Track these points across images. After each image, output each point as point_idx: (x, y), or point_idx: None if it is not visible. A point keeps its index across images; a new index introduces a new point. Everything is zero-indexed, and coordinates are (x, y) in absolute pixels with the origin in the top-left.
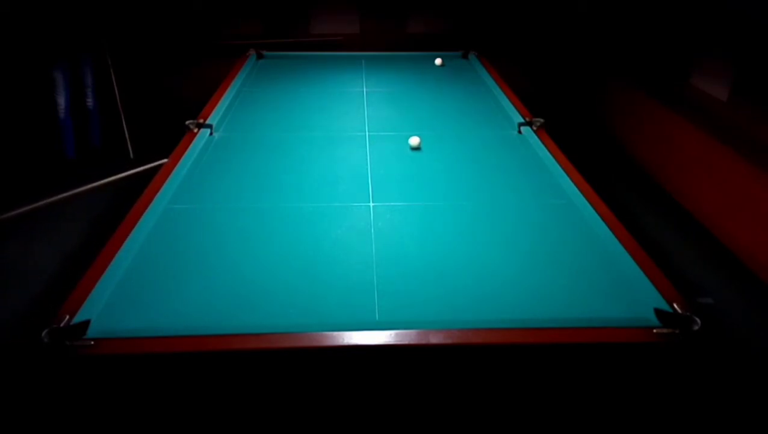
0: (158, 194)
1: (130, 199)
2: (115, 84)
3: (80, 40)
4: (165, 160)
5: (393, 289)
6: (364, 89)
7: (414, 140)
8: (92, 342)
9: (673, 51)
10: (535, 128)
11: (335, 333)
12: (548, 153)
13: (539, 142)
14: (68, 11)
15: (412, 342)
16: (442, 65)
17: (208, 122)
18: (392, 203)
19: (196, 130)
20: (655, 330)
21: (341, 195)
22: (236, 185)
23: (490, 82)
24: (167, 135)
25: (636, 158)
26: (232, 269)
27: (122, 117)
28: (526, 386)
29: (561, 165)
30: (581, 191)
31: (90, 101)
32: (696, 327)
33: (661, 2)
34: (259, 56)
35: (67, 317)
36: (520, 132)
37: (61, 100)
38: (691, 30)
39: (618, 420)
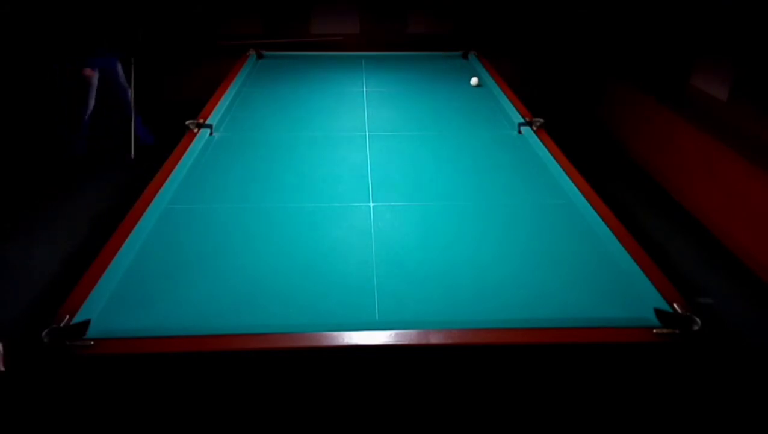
0: (158, 194)
1: (130, 199)
2: (132, 85)
3: (112, 42)
4: None
5: (393, 289)
6: (364, 89)
7: (474, 80)
8: (92, 342)
9: (674, 51)
10: (535, 128)
11: (335, 333)
12: (548, 153)
13: (539, 142)
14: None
15: (412, 342)
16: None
17: (208, 121)
18: (392, 203)
19: (196, 130)
20: (655, 330)
21: (341, 195)
22: (236, 185)
23: (490, 82)
24: (167, 135)
25: (636, 157)
26: (231, 269)
27: (133, 117)
28: (527, 386)
29: (561, 165)
30: (581, 191)
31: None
32: (696, 327)
33: (661, 2)
34: (259, 56)
35: (67, 317)
36: (520, 132)
37: (91, 102)
38: (692, 30)
39: (618, 419)
